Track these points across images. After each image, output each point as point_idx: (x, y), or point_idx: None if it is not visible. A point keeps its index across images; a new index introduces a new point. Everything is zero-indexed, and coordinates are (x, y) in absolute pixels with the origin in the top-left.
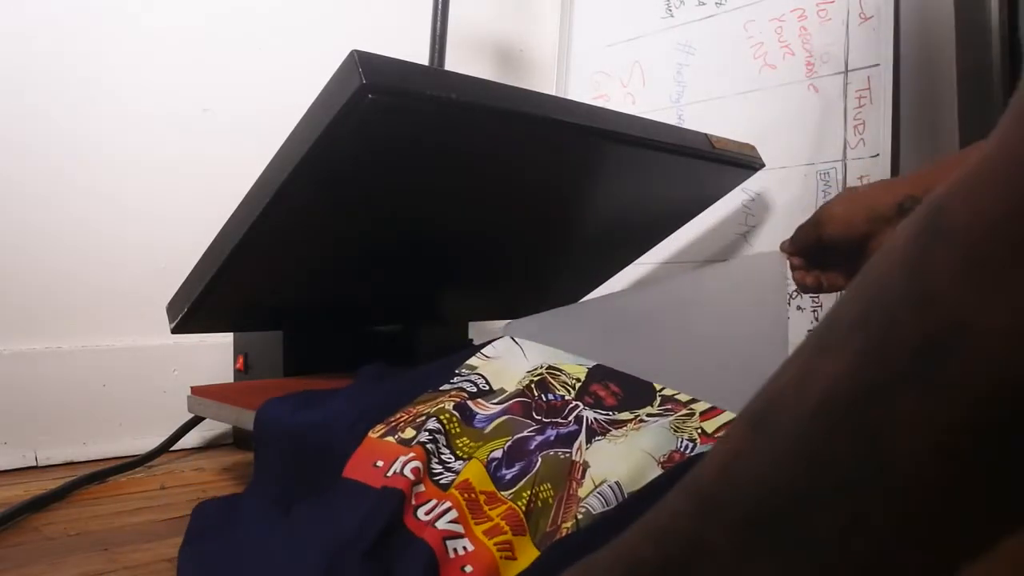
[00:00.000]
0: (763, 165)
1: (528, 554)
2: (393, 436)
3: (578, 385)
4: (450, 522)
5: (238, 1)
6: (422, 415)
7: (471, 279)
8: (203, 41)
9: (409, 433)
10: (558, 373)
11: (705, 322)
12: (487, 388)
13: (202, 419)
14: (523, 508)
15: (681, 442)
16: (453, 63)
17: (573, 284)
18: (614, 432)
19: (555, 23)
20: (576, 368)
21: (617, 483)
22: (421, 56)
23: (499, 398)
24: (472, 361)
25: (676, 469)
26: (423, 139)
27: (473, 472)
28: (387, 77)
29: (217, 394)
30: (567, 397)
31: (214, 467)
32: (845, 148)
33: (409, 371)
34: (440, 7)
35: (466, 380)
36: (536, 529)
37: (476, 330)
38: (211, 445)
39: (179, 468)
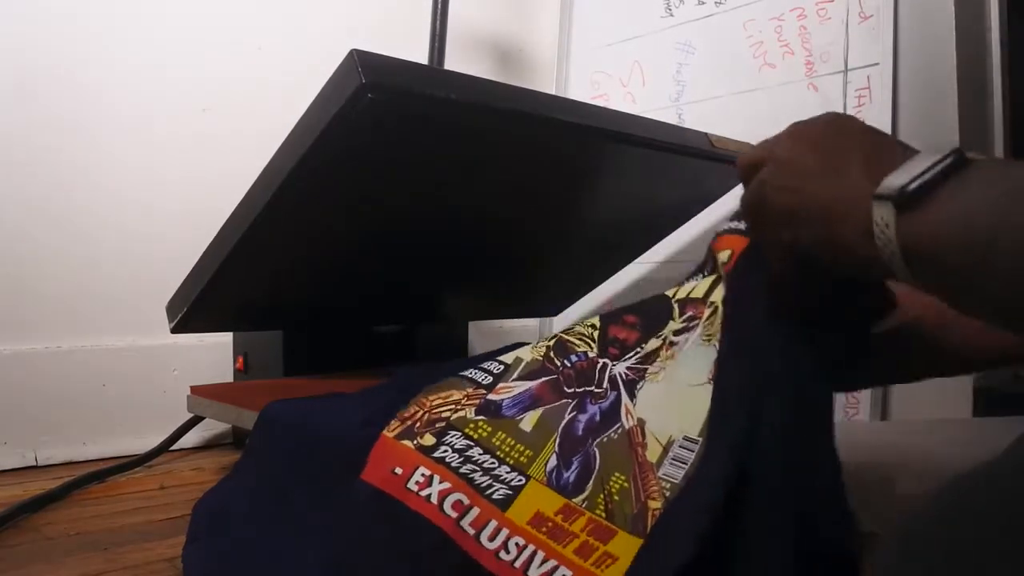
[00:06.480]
0: None
1: (626, 545)
2: (411, 440)
3: (596, 334)
4: (540, 564)
5: (238, 1)
6: (438, 415)
7: (471, 279)
8: (203, 41)
9: (428, 440)
10: (571, 330)
11: None
12: (501, 370)
13: (202, 419)
14: (603, 515)
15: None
16: (453, 63)
17: (573, 284)
18: (651, 369)
19: (555, 23)
20: (586, 323)
21: (684, 437)
22: (421, 56)
23: (517, 372)
24: (485, 364)
25: (721, 372)
26: (423, 139)
27: (539, 498)
28: (387, 77)
29: (217, 394)
30: (591, 354)
31: (213, 467)
32: None
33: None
34: (440, 7)
35: (478, 370)
36: (623, 518)
37: (476, 330)
38: (211, 445)
39: (178, 468)
